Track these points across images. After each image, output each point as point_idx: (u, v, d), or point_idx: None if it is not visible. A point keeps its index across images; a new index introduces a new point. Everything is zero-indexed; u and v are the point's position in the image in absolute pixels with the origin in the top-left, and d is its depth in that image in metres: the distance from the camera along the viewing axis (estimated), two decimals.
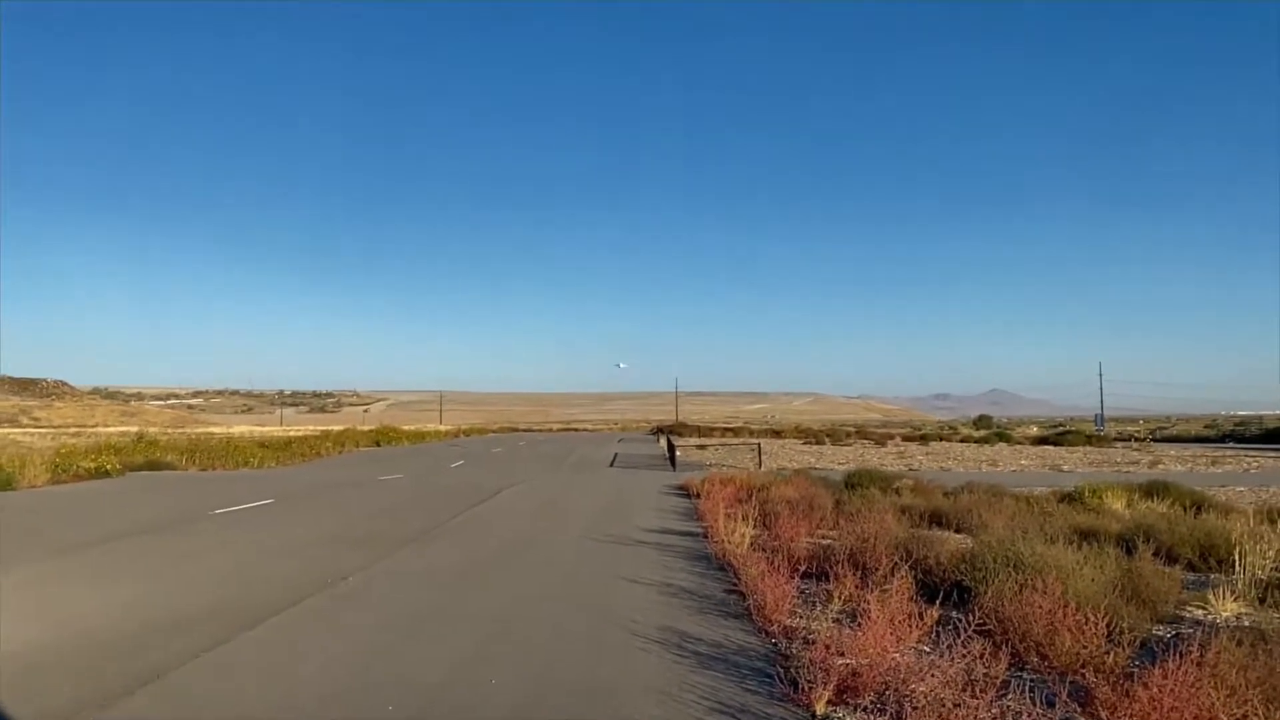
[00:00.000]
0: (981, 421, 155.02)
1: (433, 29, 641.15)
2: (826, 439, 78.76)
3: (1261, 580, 9.74)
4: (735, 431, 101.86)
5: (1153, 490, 19.83)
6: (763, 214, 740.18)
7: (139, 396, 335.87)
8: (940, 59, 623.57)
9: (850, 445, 68.67)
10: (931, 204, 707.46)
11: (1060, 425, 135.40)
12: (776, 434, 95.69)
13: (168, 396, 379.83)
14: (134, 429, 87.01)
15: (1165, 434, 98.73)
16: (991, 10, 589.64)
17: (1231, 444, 76.64)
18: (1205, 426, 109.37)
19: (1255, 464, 41.90)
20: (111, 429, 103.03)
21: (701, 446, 60.30)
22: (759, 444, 48.93)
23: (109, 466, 30.80)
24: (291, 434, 76.84)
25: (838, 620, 8.09)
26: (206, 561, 12.27)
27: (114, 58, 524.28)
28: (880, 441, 75.12)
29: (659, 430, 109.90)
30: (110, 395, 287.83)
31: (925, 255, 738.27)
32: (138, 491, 24.88)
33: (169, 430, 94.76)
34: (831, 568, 10.14)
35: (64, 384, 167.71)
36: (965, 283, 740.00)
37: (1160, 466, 39.15)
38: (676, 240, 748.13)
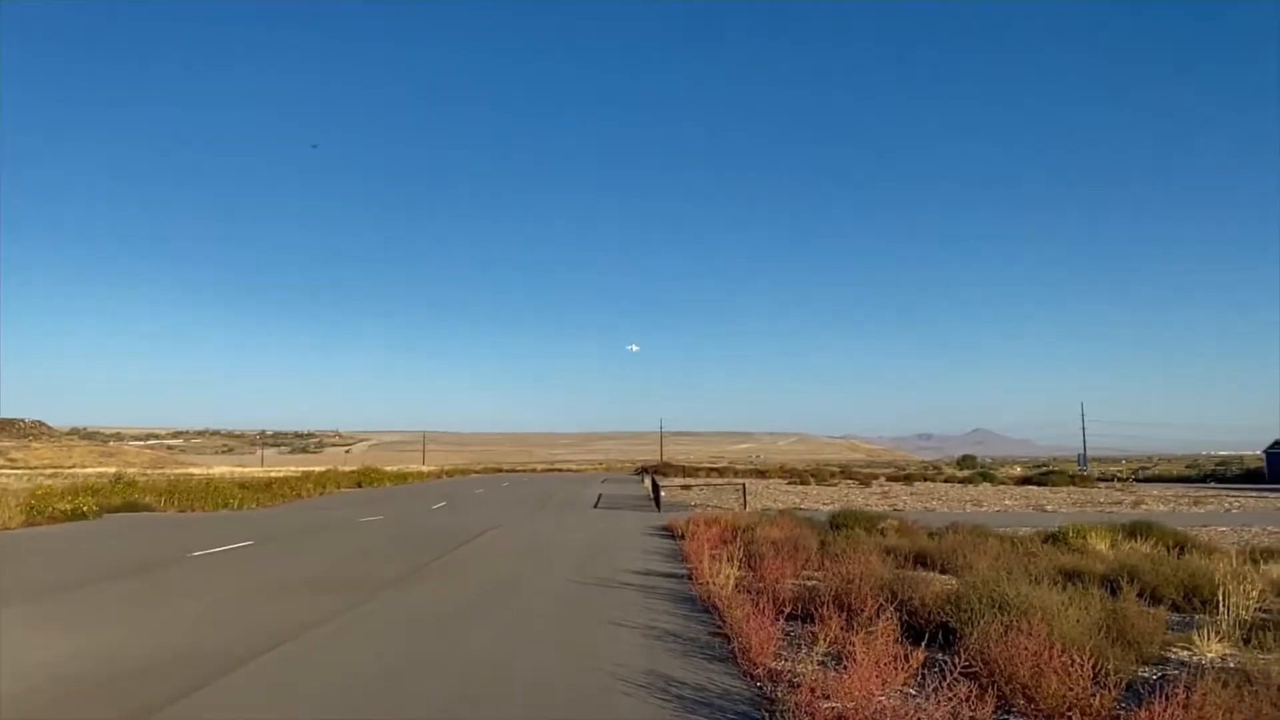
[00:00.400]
0: (965, 461, 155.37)
1: (407, 51, 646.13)
2: (811, 479, 78.65)
3: (1245, 621, 9.74)
4: (720, 471, 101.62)
5: (1136, 530, 19.86)
6: (747, 254, 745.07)
7: (118, 437, 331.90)
8: (914, 106, 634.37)
9: (835, 485, 68.60)
10: (915, 245, 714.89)
11: (1044, 465, 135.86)
12: (761, 474, 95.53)
13: (147, 437, 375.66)
14: (112, 470, 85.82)
15: (1147, 474, 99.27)
16: (977, 67, 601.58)
17: (1213, 484, 77.07)
18: (1187, 466, 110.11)
19: (1236, 504, 42.11)
20: (89, 470, 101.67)
21: (686, 487, 60.04)
22: (744, 484, 48.75)
23: (85, 508, 30.31)
24: (272, 475, 76.03)
25: (823, 663, 8.00)
26: (181, 606, 12.05)
27: (92, 96, 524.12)
28: (865, 482, 75.09)
29: (644, 470, 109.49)
30: (89, 435, 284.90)
31: (909, 296, 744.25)
32: (114, 534, 24.48)
33: (148, 471, 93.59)
34: (817, 609, 10.05)
35: (41, 424, 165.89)
36: (949, 322, 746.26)
37: (1143, 506, 39.25)
38: (660, 280, 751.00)
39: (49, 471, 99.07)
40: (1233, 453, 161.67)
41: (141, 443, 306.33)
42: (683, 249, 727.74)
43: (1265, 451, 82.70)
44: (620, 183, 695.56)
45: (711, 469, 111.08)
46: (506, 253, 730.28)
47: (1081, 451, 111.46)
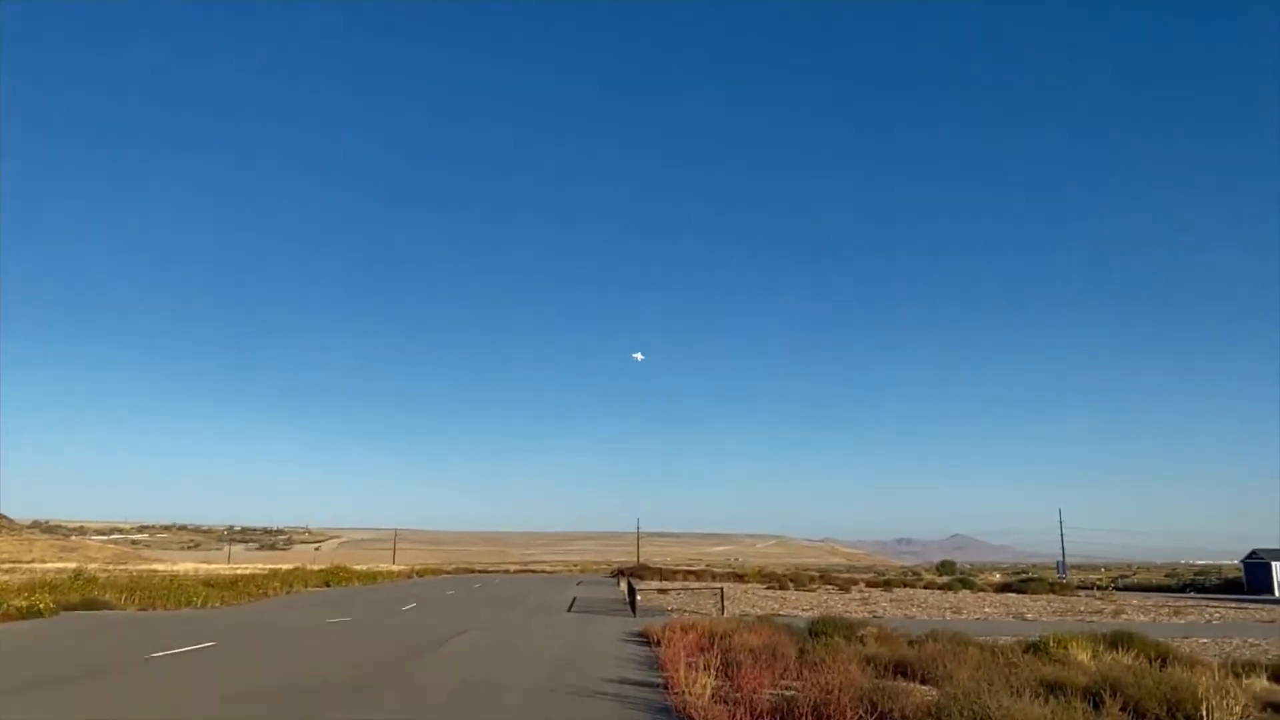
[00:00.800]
0: (945, 567, 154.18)
1: (372, 160, 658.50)
2: (790, 584, 77.59)
3: None
4: (698, 574, 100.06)
5: (1117, 641, 19.66)
6: (725, 353, 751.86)
7: (81, 530, 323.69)
8: (878, 195, 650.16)
9: (814, 590, 67.66)
10: (895, 351, 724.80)
11: (1023, 572, 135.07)
12: (740, 578, 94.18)
13: (111, 531, 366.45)
14: (73, 565, 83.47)
15: (1127, 582, 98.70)
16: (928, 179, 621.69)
17: (1192, 594, 76.65)
18: (1166, 575, 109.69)
19: (1216, 615, 41.87)
20: (49, 565, 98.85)
21: (663, 590, 59.02)
22: (721, 588, 48.01)
23: (42, 605, 29.32)
24: (239, 572, 74.29)
25: None
26: (134, 713, 11.57)
27: (53, 178, 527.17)
28: (844, 587, 74.13)
29: (620, 572, 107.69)
30: (50, 529, 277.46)
31: (888, 400, 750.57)
32: (70, 633, 23.64)
33: (110, 567, 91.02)
34: None
35: (1, 516, 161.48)
36: (927, 426, 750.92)
37: (1123, 616, 38.93)
38: (637, 379, 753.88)
39: (6, 566, 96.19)
40: (1211, 562, 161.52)
41: (105, 537, 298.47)
42: (660, 347, 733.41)
43: (1243, 562, 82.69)
44: (593, 279, 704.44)
45: (689, 572, 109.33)
46: (480, 350, 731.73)
47: (1061, 559, 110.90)
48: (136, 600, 35.78)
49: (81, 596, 34.48)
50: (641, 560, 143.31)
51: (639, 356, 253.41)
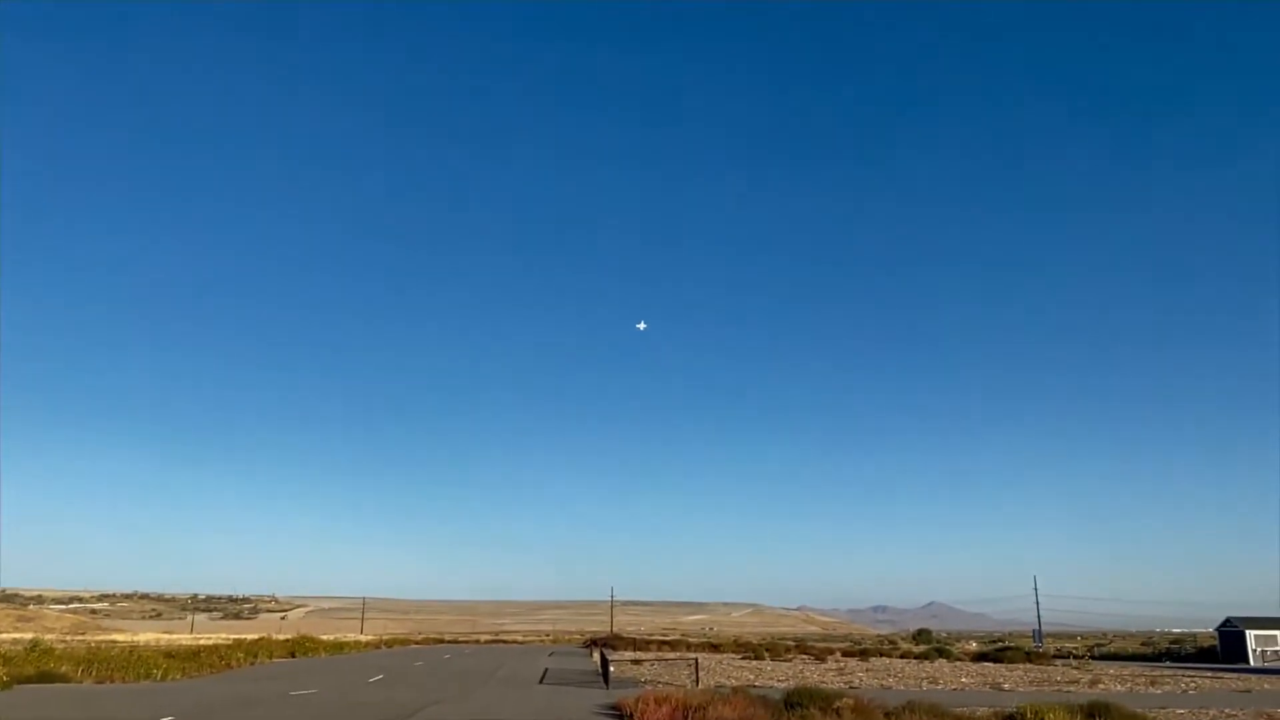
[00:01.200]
0: (921, 636, 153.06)
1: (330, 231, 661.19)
2: (766, 653, 76.54)
3: None
4: (672, 645, 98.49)
5: (1094, 711, 19.55)
6: (698, 421, 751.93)
7: (39, 599, 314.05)
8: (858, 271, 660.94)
9: (790, 660, 66.74)
10: (869, 419, 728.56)
11: (999, 640, 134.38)
12: (715, 648, 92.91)
13: (70, 600, 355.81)
14: (29, 635, 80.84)
15: (1103, 651, 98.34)
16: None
17: (1168, 663, 76.45)
18: (1142, 644, 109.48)
19: (1193, 685, 41.77)
20: (4, 635, 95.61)
21: (637, 661, 58.03)
22: (696, 659, 47.30)
23: None
24: (202, 642, 72.34)
25: None
26: None
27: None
28: (820, 657, 73.21)
29: (593, 643, 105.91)
30: (7, 598, 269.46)
31: (864, 467, 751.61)
32: (21, 707, 22.82)
33: (68, 637, 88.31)
34: None
35: None
36: (902, 493, 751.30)
37: (1100, 686, 38.72)
38: (610, 447, 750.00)
39: None
40: (1186, 630, 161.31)
41: (64, 606, 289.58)
42: (632, 415, 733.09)
43: (1218, 630, 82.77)
44: (566, 346, 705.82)
45: (663, 642, 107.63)
46: (452, 418, 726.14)
47: (1037, 627, 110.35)
48: (94, 673, 34.71)
49: (37, 669, 33.37)
50: (615, 630, 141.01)
51: (642, 326, 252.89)
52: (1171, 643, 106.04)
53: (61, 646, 51.04)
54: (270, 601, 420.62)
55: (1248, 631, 76.84)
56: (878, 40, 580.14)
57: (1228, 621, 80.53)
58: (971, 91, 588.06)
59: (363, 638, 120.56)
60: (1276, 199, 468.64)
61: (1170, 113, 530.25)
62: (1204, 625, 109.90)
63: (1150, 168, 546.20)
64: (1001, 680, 42.98)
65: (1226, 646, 78.62)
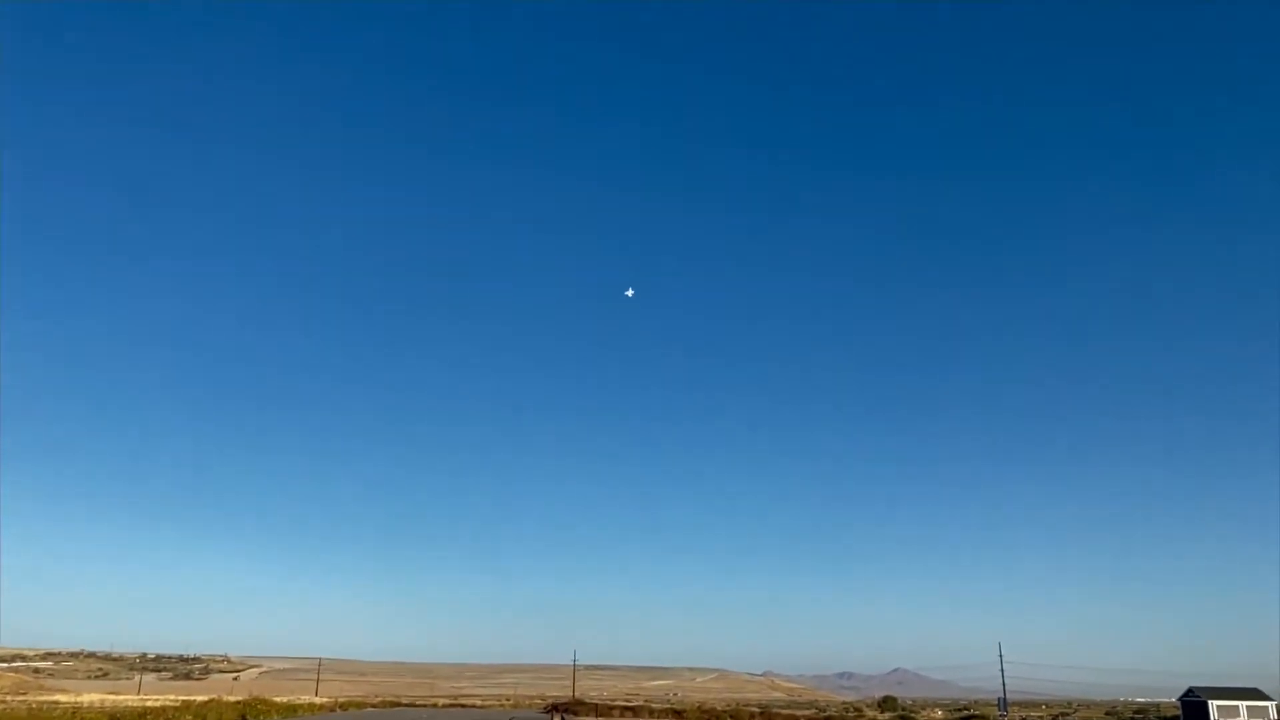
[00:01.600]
0: (887, 703, 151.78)
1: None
2: None
3: None
4: (635, 711, 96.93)
5: None
6: (669, 479, 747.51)
7: None
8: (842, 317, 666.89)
9: None
10: (838, 484, 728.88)
11: (964, 709, 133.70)
12: (678, 714, 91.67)
13: (13, 658, 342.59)
14: None
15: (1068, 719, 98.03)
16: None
17: None
18: (1106, 713, 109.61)
19: None
20: None
21: None
22: None
23: None
24: (149, 704, 70.24)
25: None
26: None
27: None
28: None
29: (555, 708, 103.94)
30: None
31: (827, 535, 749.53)
32: None
33: (8, 698, 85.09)
34: None
35: None
36: (870, 560, 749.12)
37: None
38: (574, 506, 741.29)
39: None
40: (1150, 700, 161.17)
41: (6, 664, 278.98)
42: (598, 475, 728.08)
43: (1180, 700, 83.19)
44: (540, 412, 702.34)
45: (626, 708, 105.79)
46: (413, 474, 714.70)
47: (1002, 695, 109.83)
48: None
49: None
50: (577, 694, 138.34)
51: (630, 293, 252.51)
52: (1136, 711, 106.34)
53: (0, 708, 49.35)
54: (223, 661, 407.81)
55: (1210, 702, 77.19)
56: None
57: (1190, 691, 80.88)
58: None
59: (318, 700, 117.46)
60: None
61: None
62: (1168, 695, 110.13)
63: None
64: None
65: (1189, 716, 78.84)
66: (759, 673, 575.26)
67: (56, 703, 70.96)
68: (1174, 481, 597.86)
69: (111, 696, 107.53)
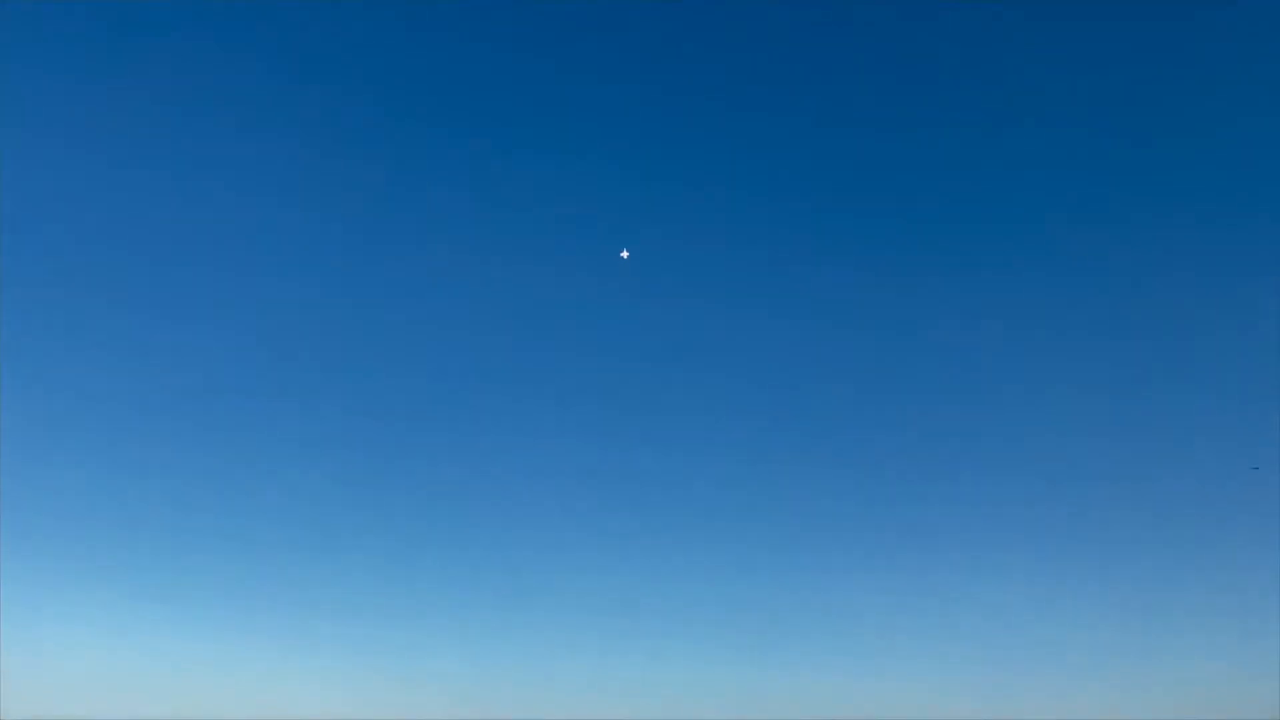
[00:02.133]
0: None
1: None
2: None
3: None
4: None
5: None
6: (651, 553, 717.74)
7: None
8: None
9: None
10: (812, 552, 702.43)
11: None
12: None
13: None
14: None
15: None
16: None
17: None
18: None
19: None
20: None
21: None
22: None
23: None
24: None
25: None
26: None
27: None
28: None
29: None
30: None
31: (791, 595, 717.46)
32: None
33: None
34: None
35: None
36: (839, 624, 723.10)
37: None
38: (546, 585, 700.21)
39: None
40: None
41: None
42: (566, 549, 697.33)
43: None
44: (510, 464, 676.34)
45: None
46: (346, 534, 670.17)
47: None
48: None
49: None
50: None
51: (625, 254, 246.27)
52: None
53: None
54: None
55: None
56: None
57: None
58: None
59: None
60: None
61: None
62: None
63: None
64: None
65: None
66: None
67: None
68: (1159, 549, 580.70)
69: None
